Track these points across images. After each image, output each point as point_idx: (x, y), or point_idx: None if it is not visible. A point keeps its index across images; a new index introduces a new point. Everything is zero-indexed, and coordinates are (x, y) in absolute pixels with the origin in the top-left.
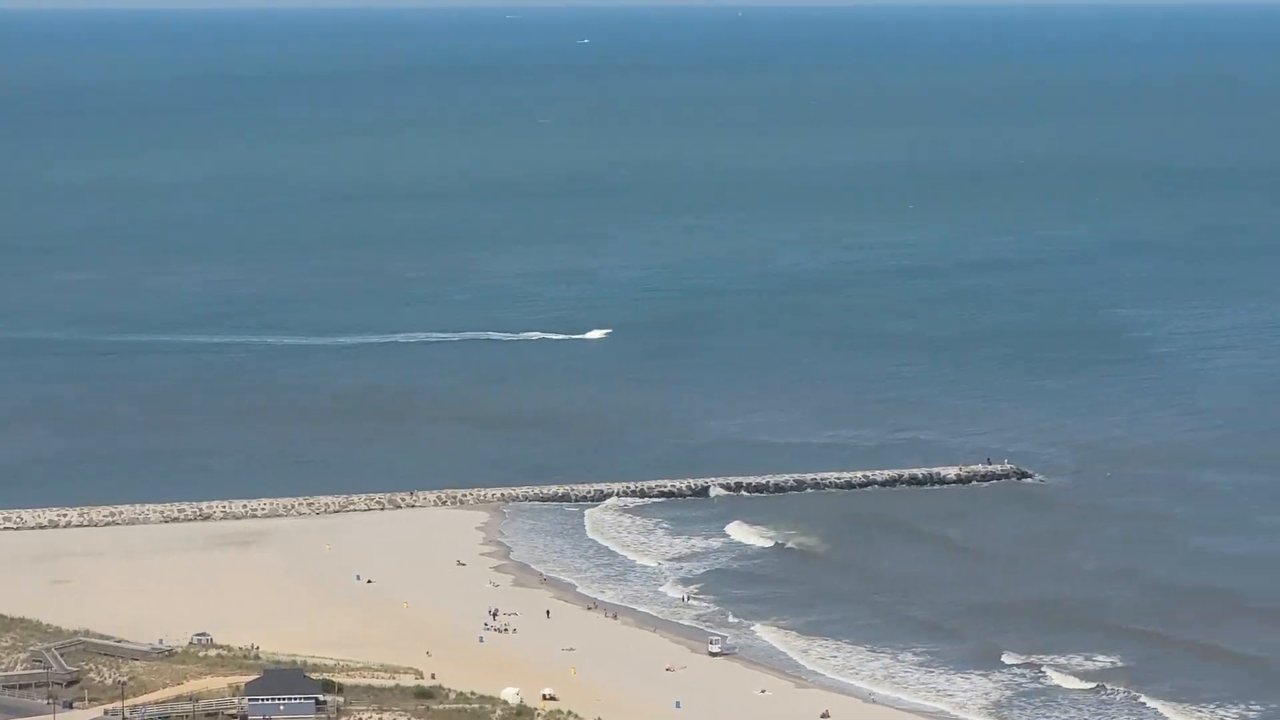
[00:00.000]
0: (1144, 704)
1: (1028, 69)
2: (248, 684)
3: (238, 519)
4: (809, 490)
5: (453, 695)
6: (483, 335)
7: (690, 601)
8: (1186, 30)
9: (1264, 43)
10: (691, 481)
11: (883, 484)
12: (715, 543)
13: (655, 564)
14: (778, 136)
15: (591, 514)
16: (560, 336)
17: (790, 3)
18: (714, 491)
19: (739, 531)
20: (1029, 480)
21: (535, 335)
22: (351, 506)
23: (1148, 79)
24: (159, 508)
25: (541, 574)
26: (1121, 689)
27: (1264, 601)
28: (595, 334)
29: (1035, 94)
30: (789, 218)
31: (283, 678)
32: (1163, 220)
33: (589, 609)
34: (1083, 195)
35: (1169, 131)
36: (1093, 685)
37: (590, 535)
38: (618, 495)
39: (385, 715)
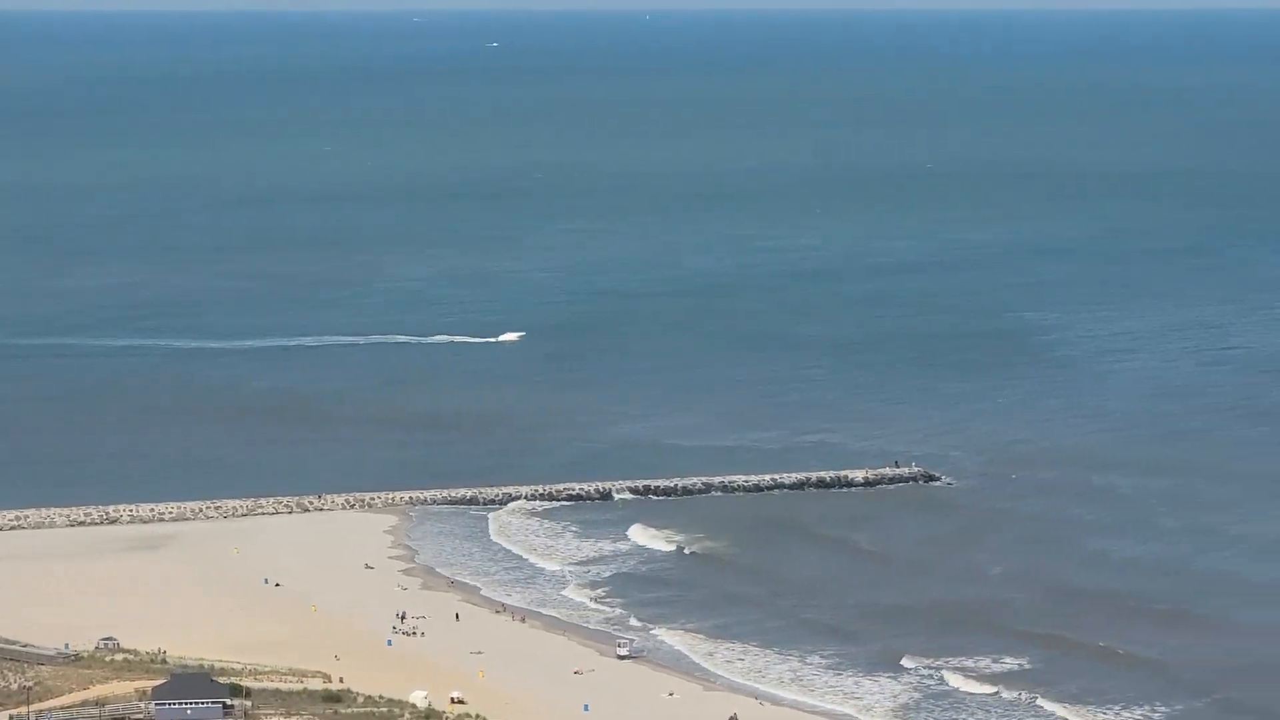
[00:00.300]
0: (1047, 707)
1: (936, 73)
2: (155, 688)
3: (145, 523)
4: (715, 493)
5: (361, 699)
6: (392, 339)
7: (595, 605)
8: (1097, 36)
9: (1171, 47)
10: (598, 485)
11: (790, 487)
12: (621, 546)
13: (560, 568)
14: (688, 140)
15: (497, 517)
16: (473, 340)
17: (697, 6)
18: (618, 495)
19: (643, 535)
20: (936, 483)
21: (446, 339)
22: (259, 510)
23: (1055, 83)
24: (65, 511)
25: (449, 577)
26: (1025, 692)
27: (1166, 604)
28: (509, 336)
29: (943, 98)
30: (699, 221)
31: (190, 682)
32: (1069, 224)
33: (497, 612)
34: (990, 198)
35: (1075, 135)
36: (997, 688)
37: (495, 539)
38: (524, 499)
39: (293, 719)
